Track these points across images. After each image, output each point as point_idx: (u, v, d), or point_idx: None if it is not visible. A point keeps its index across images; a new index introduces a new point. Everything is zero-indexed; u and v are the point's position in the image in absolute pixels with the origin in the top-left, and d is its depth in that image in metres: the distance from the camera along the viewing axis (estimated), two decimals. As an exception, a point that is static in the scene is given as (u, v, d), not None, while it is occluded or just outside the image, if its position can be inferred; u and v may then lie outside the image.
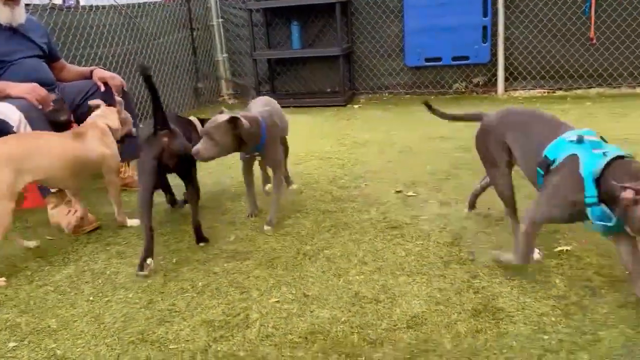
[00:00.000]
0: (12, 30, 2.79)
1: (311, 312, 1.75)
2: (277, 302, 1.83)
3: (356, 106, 5.14)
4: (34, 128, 2.51)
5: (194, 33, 5.46)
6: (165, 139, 2.13)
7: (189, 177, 2.29)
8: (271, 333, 1.66)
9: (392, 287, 1.86)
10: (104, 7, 4.23)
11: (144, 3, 4.77)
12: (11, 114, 2.51)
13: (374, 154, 3.50)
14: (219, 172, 3.29)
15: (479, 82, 5.22)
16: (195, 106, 5.48)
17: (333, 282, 1.93)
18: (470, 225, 2.31)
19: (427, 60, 5.24)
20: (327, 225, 2.43)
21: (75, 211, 2.57)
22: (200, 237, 2.32)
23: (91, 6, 4.06)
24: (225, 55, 5.89)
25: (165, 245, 2.35)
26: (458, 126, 3.99)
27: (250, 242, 2.33)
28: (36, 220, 2.74)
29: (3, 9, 2.73)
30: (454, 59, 5.15)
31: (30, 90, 2.62)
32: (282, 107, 2.80)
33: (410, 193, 2.73)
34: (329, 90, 5.65)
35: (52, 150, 2.29)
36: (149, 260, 2.08)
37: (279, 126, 2.53)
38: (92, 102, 2.68)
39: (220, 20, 5.77)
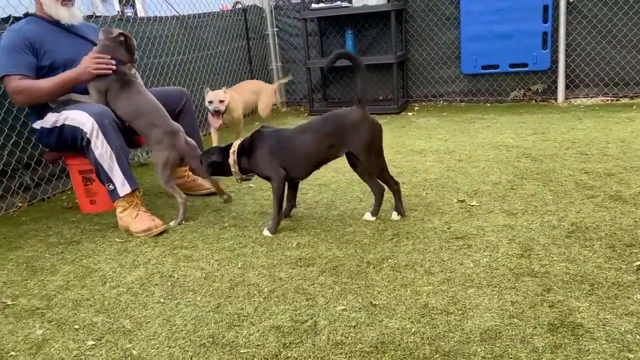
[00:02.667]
0: (72, 34, 2.91)
1: (380, 321, 1.74)
2: (344, 310, 1.83)
3: (410, 114, 5.10)
4: (106, 136, 2.61)
5: (250, 42, 5.56)
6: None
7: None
8: (340, 341, 1.66)
9: (462, 299, 1.82)
10: (166, 17, 4.37)
11: (204, 14, 4.90)
12: (85, 120, 2.62)
13: (432, 162, 3.45)
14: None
15: (537, 89, 5.08)
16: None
17: (400, 292, 1.91)
18: (540, 237, 2.24)
19: (483, 67, 5.15)
20: (389, 234, 2.41)
21: (137, 214, 2.66)
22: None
23: (155, 17, 4.20)
24: (279, 63, 5.97)
25: (230, 250, 2.39)
26: (522, 134, 3.92)
27: (312, 248, 2.34)
28: (106, 223, 2.84)
29: (62, 9, 2.85)
30: (512, 66, 5.04)
31: (84, 66, 2.67)
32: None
33: (473, 203, 2.68)
34: (381, 98, 5.63)
35: None
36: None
37: None
38: None
39: (275, 29, 5.86)
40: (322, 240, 2.41)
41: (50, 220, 2.96)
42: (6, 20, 3.07)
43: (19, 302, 2.06)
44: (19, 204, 3.15)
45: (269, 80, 5.96)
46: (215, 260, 2.30)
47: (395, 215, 2.59)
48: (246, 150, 2.52)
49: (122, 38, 2.75)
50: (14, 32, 2.77)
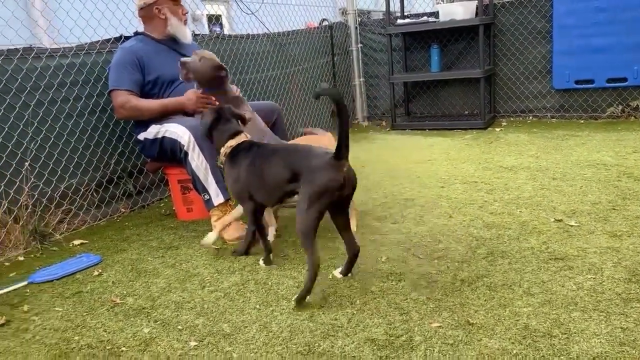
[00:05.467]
0: (174, 51, 3.10)
1: (478, 340, 1.70)
2: (440, 327, 1.80)
3: (498, 129, 4.96)
4: (202, 148, 2.76)
5: (334, 58, 5.66)
6: (346, 169, 2.00)
7: (347, 206, 2.15)
8: (438, 358, 1.64)
9: (565, 322, 1.75)
10: (257, 35, 4.55)
11: (293, 31, 5.06)
12: (182, 133, 2.78)
13: (524, 180, 3.34)
14: (363, 193, 3.34)
15: (638, 105, 4.78)
16: (334, 127, 5.65)
17: (498, 311, 1.86)
18: (649, 261, 2.11)
19: (577, 82, 4.93)
20: (482, 252, 2.36)
21: (229, 224, 2.76)
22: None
23: (248, 35, 4.39)
24: (362, 79, 6.02)
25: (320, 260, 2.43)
26: (622, 153, 3.71)
27: (402, 263, 2.33)
28: (202, 230, 2.98)
29: (185, 29, 3.08)
30: (609, 80, 4.79)
31: (190, 101, 2.83)
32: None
33: (572, 223, 2.56)
34: (466, 112, 5.53)
35: None
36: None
37: None
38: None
39: (360, 45, 5.93)
40: (412, 256, 2.39)
41: (150, 226, 3.15)
42: (118, 39, 3.33)
43: (127, 301, 2.20)
44: (122, 210, 3.38)
45: (353, 97, 6.03)
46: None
47: (337, 273, 2.26)
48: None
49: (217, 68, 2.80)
50: (125, 50, 3.00)
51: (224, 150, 2.37)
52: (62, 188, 3.05)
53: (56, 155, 3.03)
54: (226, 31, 8.48)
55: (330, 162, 2.00)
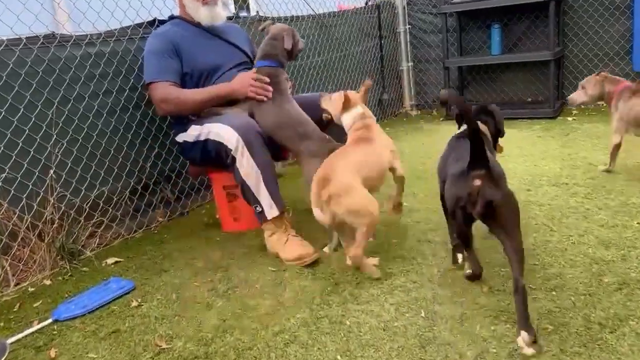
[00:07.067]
0: (217, 37, 2.67)
1: None
2: (594, 398, 1.35)
3: (570, 119, 4.41)
4: (253, 152, 2.32)
5: (382, 41, 5.16)
6: (478, 182, 1.62)
7: (506, 231, 1.66)
8: None
9: None
10: (302, 17, 4.08)
11: (338, 12, 4.58)
12: (229, 136, 2.34)
13: (625, 181, 2.83)
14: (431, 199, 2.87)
15: None
16: (381, 117, 5.17)
17: (669, 375, 1.39)
18: None
19: (662, 64, 4.34)
20: (611, 282, 1.88)
21: (287, 240, 2.35)
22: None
23: (292, 16, 3.92)
24: (410, 63, 5.51)
25: (404, 290, 1.99)
26: None
27: (510, 294, 1.87)
28: (253, 245, 2.55)
29: (202, 9, 2.62)
30: (701, 61, 4.19)
31: (244, 85, 2.44)
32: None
33: None
34: (530, 100, 4.98)
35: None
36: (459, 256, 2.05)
37: None
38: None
39: (408, 27, 5.41)
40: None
41: (192, 239, 2.74)
42: (151, 23, 2.90)
43: (174, 346, 1.79)
44: (159, 219, 2.98)
45: (400, 83, 5.52)
46: (391, 305, 1.90)
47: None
48: None
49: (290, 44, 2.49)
50: (159, 37, 2.57)
51: None
52: (93, 197, 2.65)
53: (85, 160, 2.62)
54: (253, 13, 7.99)
55: None
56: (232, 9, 7.78)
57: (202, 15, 2.64)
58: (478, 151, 1.60)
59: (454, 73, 5.22)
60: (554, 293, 1.85)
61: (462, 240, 1.88)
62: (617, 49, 4.53)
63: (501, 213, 1.64)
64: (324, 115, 2.51)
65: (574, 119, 4.38)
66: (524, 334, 1.53)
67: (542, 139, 3.90)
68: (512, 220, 1.66)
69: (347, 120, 2.41)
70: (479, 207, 1.62)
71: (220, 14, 2.69)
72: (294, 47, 2.54)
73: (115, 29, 2.78)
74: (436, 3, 5.11)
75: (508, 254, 1.65)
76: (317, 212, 2.06)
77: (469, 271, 1.99)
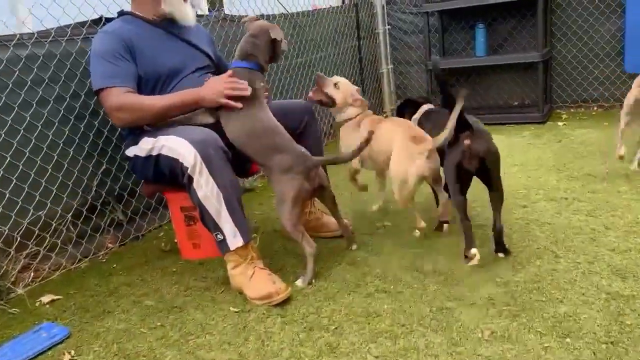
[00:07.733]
0: (175, 36, 2.33)
1: None
2: None
3: (560, 124, 4.15)
4: (213, 171, 1.98)
5: (360, 42, 4.84)
6: (467, 141, 1.97)
7: (493, 180, 2.08)
8: None
9: None
10: (274, 16, 3.73)
11: (312, 11, 4.25)
12: (185, 152, 1.98)
13: (631, 195, 2.55)
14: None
15: None
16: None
17: None
18: None
19: (655, 65, 4.11)
20: (635, 324, 1.58)
21: (253, 273, 2.01)
22: (500, 247, 2.12)
23: (263, 15, 3.58)
24: (390, 66, 5.21)
25: (390, 336, 1.66)
26: None
27: (516, 343, 1.56)
28: (214, 277, 2.21)
29: (188, 7, 2.30)
30: (696, 62, 3.97)
31: (215, 91, 2.09)
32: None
33: None
34: (516, 103, 4.71)
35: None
36: (473, 250, 2.04)
37: None
38: None
39: (387, 27, 5.11)
40: (527, 329, 1.62)
41: (145, 270, 2.37)
42: (97, 22, 2.53)
43: (107, 420, 1.44)
44: (109, 245, 2.60)
45: (380, 86, 5.22)
46: (375, 358, 1.58)
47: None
48: None
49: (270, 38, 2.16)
50: (109, 35, 2.19)
51: None
52: (25, 224, 2.26)
53: (14, 181, 2.23)
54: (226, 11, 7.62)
55: None
56: (204, 8, 7.35)
57: (188, 14, 2.32)
58: (460, 117, 1.95)
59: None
60: (568, 340, 1.55)
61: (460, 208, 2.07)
62: (607, 50, 4.29)
63: (490, 161, 2.01)
64: (322, 99, 2.49)
65: (564, 124, 4.12)
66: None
67: (534, 147, 3.62)
68: (496, 170, 2.06)
69: (353, 109, 2.50)
70: (475, 161, 1.98)
71: (193, 13, 2.38)
72: (276, 47, 2.20)
73: (52, 29, 2.40)
74: (417, 2, 4.83)
75: (493, 198, 2.11)
76: (413, 168, 2.18)
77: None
